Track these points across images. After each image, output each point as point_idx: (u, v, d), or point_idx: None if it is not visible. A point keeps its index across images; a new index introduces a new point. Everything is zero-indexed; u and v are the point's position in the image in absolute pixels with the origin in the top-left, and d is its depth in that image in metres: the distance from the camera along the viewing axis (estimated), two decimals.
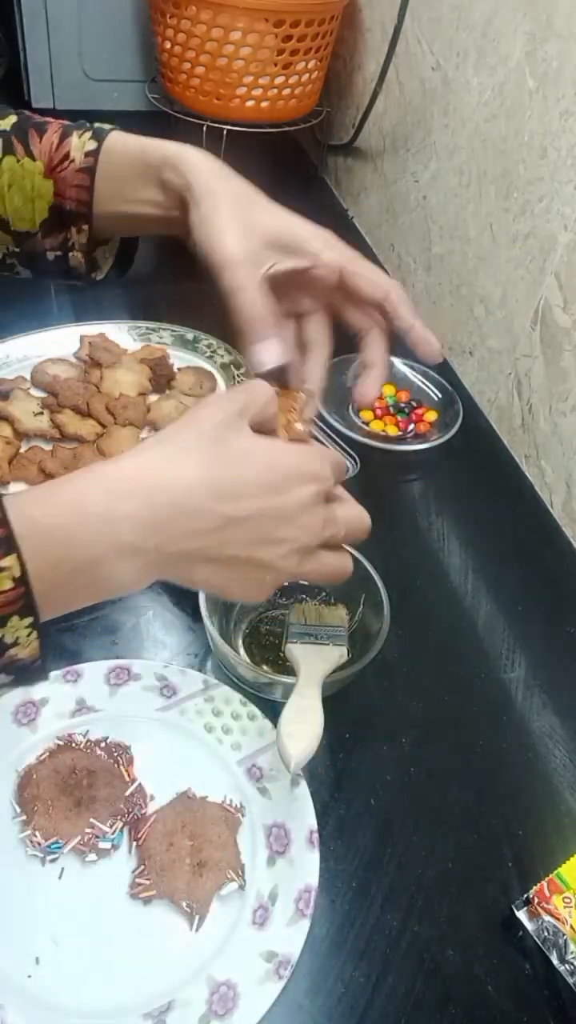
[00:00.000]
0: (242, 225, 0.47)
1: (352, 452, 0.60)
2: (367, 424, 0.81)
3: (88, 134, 0.52)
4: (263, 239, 0.47)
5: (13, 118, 0.53)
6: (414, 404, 0.84)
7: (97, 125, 0.52)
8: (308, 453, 0.41)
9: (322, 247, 0.47)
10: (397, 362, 0.88)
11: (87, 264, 0.57)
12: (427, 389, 0.86)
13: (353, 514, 0.43)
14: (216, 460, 0.37)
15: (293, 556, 0.40)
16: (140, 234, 0.56)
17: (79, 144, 0.52)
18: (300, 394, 0.49)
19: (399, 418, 0.82)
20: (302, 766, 0.43)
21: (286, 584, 0.52)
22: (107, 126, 0.51)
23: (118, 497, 0.35)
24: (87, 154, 0.52)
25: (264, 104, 1.02)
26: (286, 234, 0.48)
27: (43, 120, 0.54)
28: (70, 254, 0.56)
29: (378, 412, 0.83)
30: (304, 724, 0.44)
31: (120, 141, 0.52)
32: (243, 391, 0.40)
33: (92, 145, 0.52)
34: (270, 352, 0.46)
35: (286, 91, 1.02)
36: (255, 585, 0.40)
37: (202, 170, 0.49)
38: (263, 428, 0.41)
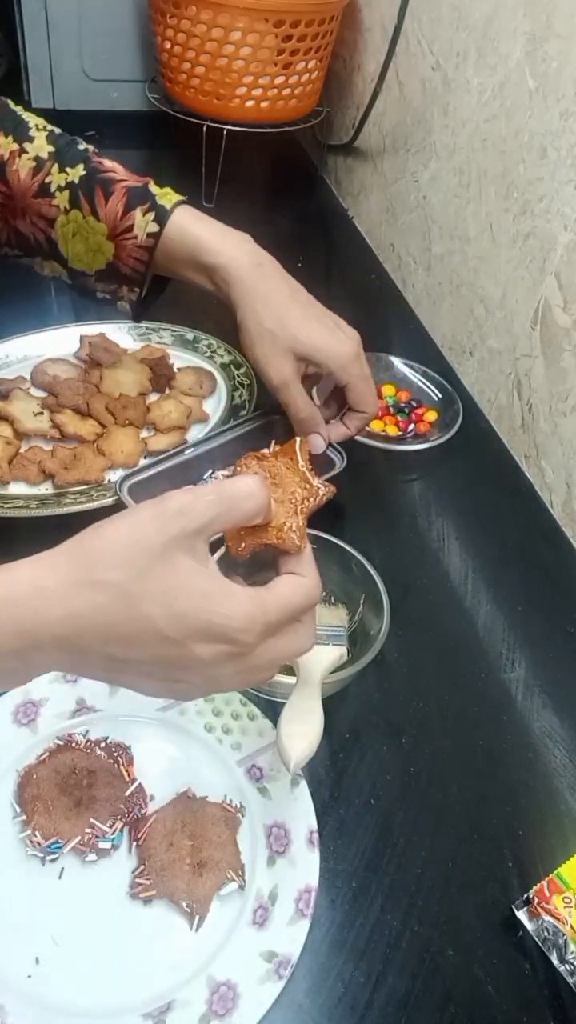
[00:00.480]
0: (280, 348, 0.59)
1: (338, 447, 0.63)
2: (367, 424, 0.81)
3: (151, 215, 0.59)
4: (297, 355, 0.60)
5: (81, 168, 0.60)
6: (414, 404, 0.84)
7: (160, 203, 0.59)
8: (239, 612, 0.34)
9: (341, 366, 0.60)
10: (397, 362, 0.88)
11: (131, 308, 0.66)
12: (427, 389, 0.86)
13: (290, 647, 0.38)
14: (126, 603, 0.33)
15: (196, 688, 0.37)
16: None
17: (142, 223, 0.59)
18: (304, 444, 0.46)
19: (399, 418, 0.82)
20: (302, 766, 0.43)
21: None
22: (169, 203, 0.58)
23: (40, 618, 0.33)
24: (149, 235, 0.59)
25: (264, 104, 1.02)
26: (314, 355, 0.59)
27: (108, 175, 0.61)
28: (119, 302, 0.65)
29: (378, 412, 0.83)
30: (304, 724, 0.44)
31: (179, 229, 0.59)
32: (223, 499, 0.35)
33: (154, 228, 0.59)
34: (316, 443, 0.63)
35: (286, 91, 1.02)
36: (173, 694, 0.38)
37: (247, 286, 0.59)
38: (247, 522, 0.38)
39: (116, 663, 0.35)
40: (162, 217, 0.58)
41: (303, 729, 0.44)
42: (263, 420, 0.71)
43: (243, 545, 0.39)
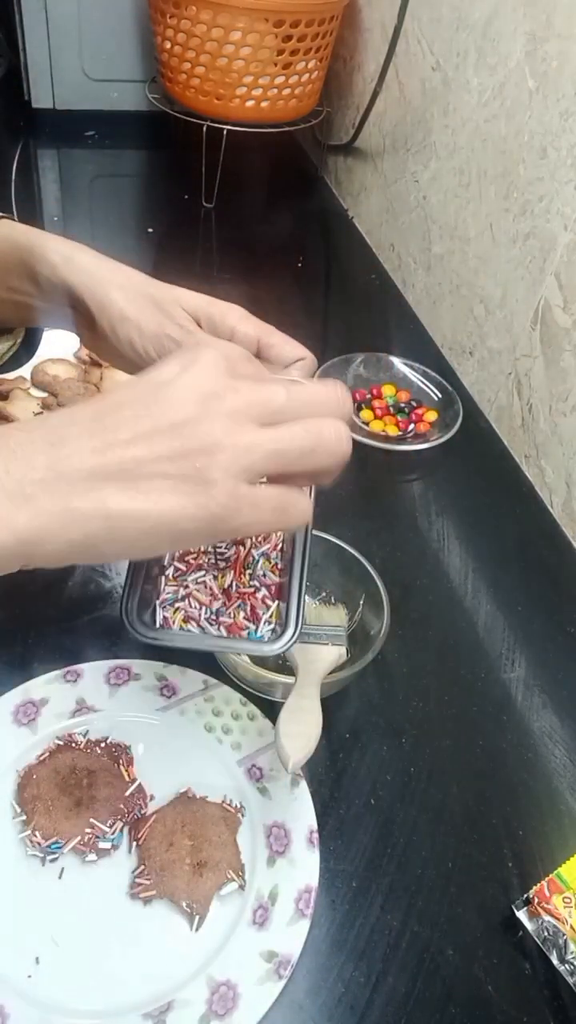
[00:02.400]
0: (167, 310, 0.44)
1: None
2: (367, 424, 0.81)
3: None
4: (187, 312, 0.45)
5: None
6: (414, 404, 0.84)
7: None
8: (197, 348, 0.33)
9: (238, 320, 0.45)
10: (397, 362, 0.88)
11: None
12: (427, 389, 0.86)
13: (286, 380, 0.34)
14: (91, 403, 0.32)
15: (210, 431, 0.31)
16: (30, 324, 0.53)
17: None
18: None
19: (399, 418, 0.82)
20: (300, 766, 0.43)
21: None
22: None
23: None
24: None
25: (264, 104, 1.02)
26: (204, 310, 0.45)
27: None
28: None
29: (378, 412, 0.83)
30: (302, 724, 0.44)
31: (6, 229, 0.47)
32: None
33: None
34: None
35: (286, 91, 1.02)
36: (198, 490, 0.31)
37: (98, 269, 0.45)
38: None
39: (101, 433, 0.31)
40: None
41: (302, 729, 0.44)
42: None
43: None
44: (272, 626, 0.45)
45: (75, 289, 0.44)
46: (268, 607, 0.45)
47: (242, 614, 0.45)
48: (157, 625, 0.44)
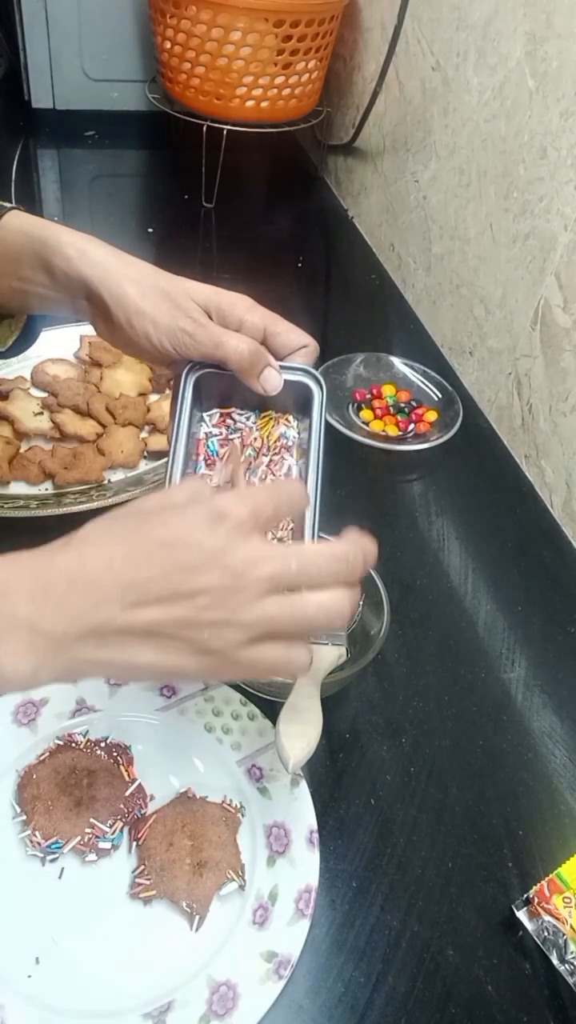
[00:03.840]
0: (179, 303, 0.46)
1: (315, 372, 0.49)
2: (367, 424, 0.81)
3: None
4: (198, 305, 0.47)
5: None
6: (414, 404, 0.84)
7: None
8: (209, 495, 0.37)
9: (245, 310, 0.47)
10: (397, 362, 0.88)
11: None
12: (427, 389, 0.86)
13: (305, 549, 0.38)
14: (114, 530, 0.35)
15: (223, 605, 0.35)
16: (42, 312, 0.54)
17: None
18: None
19: (399, 418, 0.82)
20: (301, 766, 0.43)
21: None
22: (8, 204, 0.50)
23: (10, 579, 0.33)
24: None
25: (264, 104, 1.02)
26: (213, 301, 0.47)
27: None
28: None
29: (378, 412, 0.83)
30: (303, 724, 0.44)
31: (17, 224, 0.49)
32: (168, 489, 0.39)
33: None
34: (274, 381, 0.46)
35: (286, 91, 1.02)
36: (199, 655, 0.36)
37: (112, 262, 0.47)
38: None
39: (130, 594, 0.34)
40: None
41: (302, 729, 0.44)
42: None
43: None
44: None
45: (90, 283, 0.46)
46: None
47: None
48: None
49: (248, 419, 0.49)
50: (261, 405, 0.49)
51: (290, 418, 0.49)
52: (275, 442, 0.48)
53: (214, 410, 0.49)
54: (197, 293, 0.47)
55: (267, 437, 0.49)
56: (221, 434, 0.48)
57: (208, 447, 0.48)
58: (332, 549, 0.37)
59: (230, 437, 0.48)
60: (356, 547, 0.38)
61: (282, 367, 0.46)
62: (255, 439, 0.48)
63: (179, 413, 0.46)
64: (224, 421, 0.49)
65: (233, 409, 0.49)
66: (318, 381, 0.47)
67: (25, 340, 0.57)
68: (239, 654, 0.36)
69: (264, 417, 0.49)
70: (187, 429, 0.46)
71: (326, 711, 0.46)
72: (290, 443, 0.49)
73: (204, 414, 0.49)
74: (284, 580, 0.36)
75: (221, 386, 0.47)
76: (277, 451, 0.48)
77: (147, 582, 0.34)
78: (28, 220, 0.49)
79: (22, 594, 0.33)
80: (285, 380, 0.46)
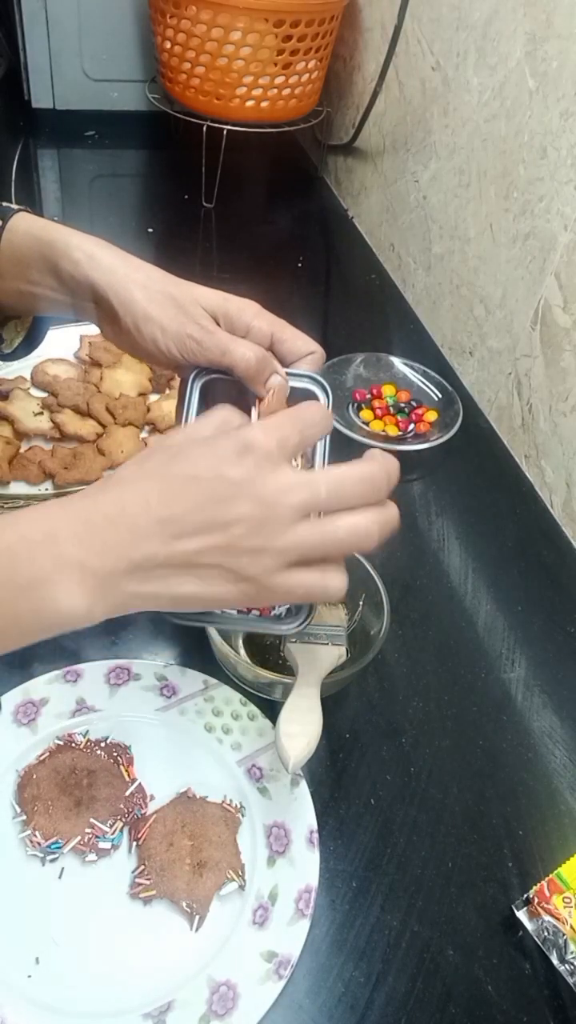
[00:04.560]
0: (186, 309, 0.46)
1: (321, 379, 0.48)
2: (367, 424, 0.81)
3: None
4: (205, 310, 0.47)
5: None
6: (414, 404, 0.84)
7: (4, 204, 0.50)
8: (235, 427, 0.39)
9: (253, 316, 0.47)
10: (397, 362, 0.88)
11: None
12: (427, 389, 0.86)
13: (333, 472, 0.39)
14: (145, 473, 0.37)
15: (259, 532, 0.36)
16: (49, 315, 0.55)
17: None
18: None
19: (399, 418, 0.82)
20: (301, 766, 0.43)
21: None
22: (14, 207, 0.50)
23: (55, 524, 0.35)
24: None
25: (264, 104, 1.02)
26: (221, 307, 0.47)
27: None
28: None
29: (378, 412, 0.83)
30: (303, 724, 0.44)
31: (25, 226, 0.49)
32: (195, 422, 0.41)
33: None
34: (281, 388, 0.47)
35: (286, 91, 1.02)
36: (240, 583, 0.37)
37: (120, 266, 0.47)
38: None
39: (169, 529, 0.36)
40: (5, 213, 0.51)
41: (302, 729, 0.44)
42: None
43: None
44: (288, 606, 0.45)
45: (98, 287, 0.46)
46: None
47: None
48: None
49: None
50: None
51: None
52: None
53: None
54: (205, 299, 0.47)
55: None
56: None
57: None
58: (359, 471, 0.38)
59: None
60: (380, 467, 0.39)
61: (288, 374, 0.47)
62: None
63: (185, 419, 0.46)
64: None
65: None
66: (324, 388, 0.48)
67: (31, 342, 0.57)
68: (276, 579, 0.37)
69: None
70: None
71: (326, 711, 0.46)
72: None
73: None
74: (314, 505, 0.38)
75: (227, 392, 0.47)
76: None
77: (183, 516, 0.36)
78: (36, 223, 0.49)
79: (70, 537, 0.34)
80: (291, 387, 0.46)
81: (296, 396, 0.47)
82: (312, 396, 0.47)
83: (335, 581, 0.39)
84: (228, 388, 0.47)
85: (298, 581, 0.38)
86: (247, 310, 0.47)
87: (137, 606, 0.37)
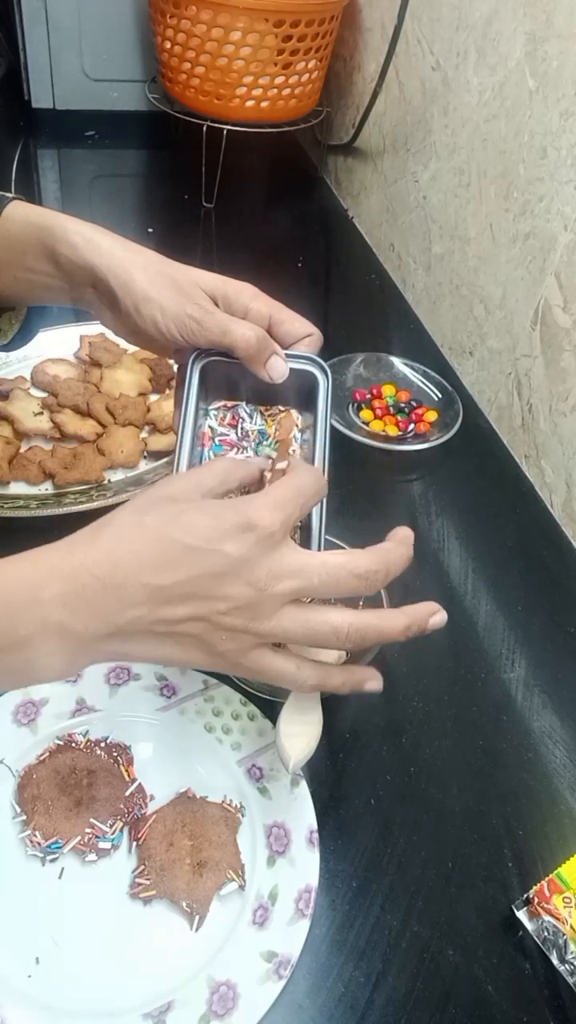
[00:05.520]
0: (186, 291, 0.47)
1: (320, 360, 0.48)
2: (367, 424, 0.81)
3: None
4: (204, 292, 0.48)
5: None
6: (414, 404, 0.84)
7: (0, 194, 0.50)
8: (241, 502, 0.37)
9: (251, 298, 0.48)
10: (397, 362, 0.88)
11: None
12: (427, 389, 0.86)
13: (328, 563, 0.38)
14: (142, 531, 0.36)
15: (241, 613, 0.36)
16: (47, 303, 0.55)
17: None
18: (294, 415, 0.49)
19: (399, 418, 0.82)
20: (301, 766, 0.43)
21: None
22: (9, 195, 0.50)
23: (41, 582, 0.34)
24: None
25: (264, 104, 1.02)
26: (220, 289, 0.48)
27: None
28: None
29: (378, 412, 0.83)
30: (303, 724, 0.44)
31: (22, 214, 0.49)
32: (201, 467, 0.42)
33: None
34: (280, 368, 0.47)
35: (286, 91, 1.02)
36: (211, 653, 0.38)
37: (119, 250, 0.47)
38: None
39: (156, 596, 0.35)
40: (0, 202, 0.50)
41: (302, 729, 0.44)
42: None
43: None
44: None
45: (97, 270, 0.46)
46: None
47: None
48: None
49: (254, 421, 0.49)
50: (266, 396, 0.49)
51: (294, 414, 0.49)
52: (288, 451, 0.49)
53: (219, 403, 0.49)
54: (204, 281, 0.47)
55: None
56: (227, 436, 0.48)
57: (213, 447, 0.48)
58: (355, 565, 0.38)
59: (241, 444, 0.48)
60: (381, 563, 0.39)
61: (288, 355, 0.47)
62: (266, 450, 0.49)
63: (185, 401, 0.46)
64: (230, 420, 0.49)
65: (238, 403, 0.49)
66: (323, 369, 0.48)
67: (26, 333, 0.58)
68: (250, 658, 0.38)
69: (269, 417, 0.49)
70: (193, 417, 0.46)
71: (326, 711, 0.45)
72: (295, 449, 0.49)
73: (210, 408, 0.49)
74: (306, 594, 0.38)
75: (227, 375, 0.47)
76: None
77: (174, 586, 0.35)
78: (32, 209, 0.49)
79: (54, 599, 0.34)
80: (291, 368, 0.47)
81: (294, 379, 0.47)
82: (311, 378, 0.48)
83: (308, 676, 0.40)
84: (227, 371, 0.47)
85: (271, 664, 0.39)
86: (245, 292, 0.48)
87: (108, 660, 0.38)
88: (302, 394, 0.48)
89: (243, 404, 0.49)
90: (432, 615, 0.41)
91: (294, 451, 0.48)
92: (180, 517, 0.36)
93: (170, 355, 0.50)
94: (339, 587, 0.38)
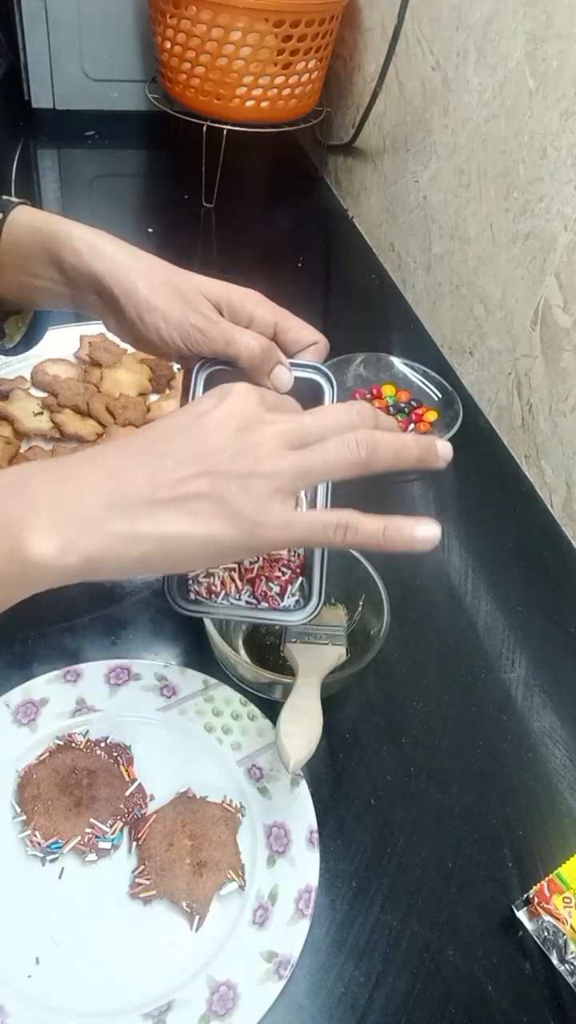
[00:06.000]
0: (189, 298, 0.46)
1: (326, 370, 0.48)
2: None
3: None
4: (208, 300, 0.47)
5: None
6: (414, 404, 0.84)
7: (4, 198, 0.50)
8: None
9: (256, 306, 0.47)
10: (397, 362, 0.88)
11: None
12: (427, 389, 0.86)
13: (313, 410, 0.39)
14: (142, 430, 0.37)
15: (244, 456, 0.36)
16: (51, 308, 0.55)
17: None
18: None
19: (399, 418, 0.82)
20: (301, 766, 0.43)
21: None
22: (14, 200, 0.50)
23: (32, 467, 0.35)
24: None
25: (264, 104, 1.02)
26: (224, 297, 0.47)
27: None
28: None
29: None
30: (303, 724, 0.44)
31: (27, 219, 0.49)
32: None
33: None
34: (284, 378, 0.46)
35: (286, 91, 1.02)
36: (229, 512, 0.35)
37: (123, 257, 0.47)
38: None
39: (155, 458, 0.35)
40: (5, 206, 0.50)
41: (302, 729, 0.44)
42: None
43: None
44: (296, 598, 0.46)
45: (101, 277, 0.46)
46: (293, 582, 0.46)
47: (275, 589, 0.46)
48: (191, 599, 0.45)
49: None
50: None
51: None
52: None
53: None
54: (208, 288, 0.47)
55: None
56: None
57: None
58: (344, 404, 0.39)
59: None
60: (362, 403, 0.40)
61: (292, 364, 0.46)
62: None
63: None
64: None
65: None
66: (329, 378, 0.48)
67: (31, 338, 0.57)
68: (271, 510, 0.36)
69: None
70: None
71: (326, 711, 0.46)
72: None
73: None
74: (298, 432, 0.37)
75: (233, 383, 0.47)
76: None
77: (165, 450, 0.35)
78: (37, 215, 0.49)
79: (43, 478, 0.34)
80: (295, 377, 0.46)
81: (299, 387, 0.46)
82: (316, 387, 0.47)
83: (335, 515, 0.38)
84: (232, 380, 0.47)
85: (296, 515, 0.37)
86: (250, 299, 0.47)
87: (121, 554, 0.34)
88: (307, 403, 0.48)
89: None
90: (444, 451, 0.44)
91: None
92: (164, 417, 0.38)
93: (175, 361, 0.50)
94: (331, 421, 0.38)
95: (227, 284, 0.48)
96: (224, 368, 0.46)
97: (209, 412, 0.37)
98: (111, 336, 0.82)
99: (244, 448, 0.36)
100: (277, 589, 0.46)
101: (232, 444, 0.36)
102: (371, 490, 0.76)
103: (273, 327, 0.47)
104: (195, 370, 0.46)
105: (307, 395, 0.47)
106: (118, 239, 0.48)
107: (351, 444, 0.37)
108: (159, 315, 0.45)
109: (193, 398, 0.45)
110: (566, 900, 0.46)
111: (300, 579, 0.46)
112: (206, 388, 0.46)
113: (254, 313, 0.47)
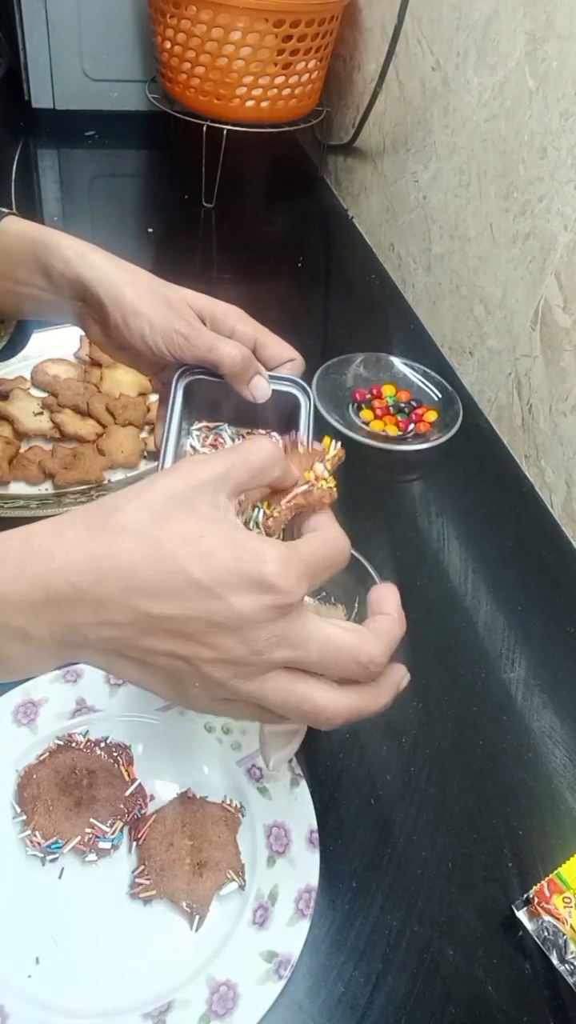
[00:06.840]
0: (174, 306, 0.47)
1: (302, 383, 0.49)
2: (367, 424, 0.81)
3: None
4: (192, 309, 0.48)
5: None
6: (414, 404, 0.84)
7: None
8: (272, 553, 0.33)
9: (237, 320, 0.48)
10: (397, 362, 0.88)
11: None
12: (427, 389, 0.86)
13: (333, 641, 0.35)
14: (147, 544, 0.32)
15: (226, 668, 0.33)
16: (33, 316, 0.55)
17: None
18: (323, 446, 0.45)
19: (399, 418, 0.82)
20: (282, 764, 0.43)
21: None
22: (5, 210, 0.51)
23: (10, 578, 0.31)
24: None
25: (264, 104, 1.02)
26: (207, 309, 0.48)
27: None
28: None
29: (378, 412, 0.83)
30: (287, 723, 0.44)
31: (17, 228, 0.49)
32: (234, 451, 0.36)
33: None
34: (263, 389, 0.46)
35: (286, 91, 1.02)
36: (177, 691, 0.35)
37: (109, 267, 0.47)
38: (270, 495, 0.38)
39: (142, 622, 0.32)
40: None
41: (285, 727, 0.43)
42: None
43: (276, 513, 0.39)
44: None
45: (88, 284, 0.47)
46: None
47: None
48: None
49: (236, 442, 0.49)
50: (247, 418, 0.49)
51: (275, 437, 0.49)
52: None
53: (201, 423, 0.49)
54: (192, 299, 0.48)
55: None
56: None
57: None
58: (360, 651, 0.36)
59: None
60: (385, 654, 0.38)
61: (271, 376, 0.47)
62: None
63: (169, 417, 0.46)
64: (212, 440, 0.49)
65: (219, 424, 0.49)
66: (306, 391, 0.48)
67: (14, 346, 0.58)
68: (216, 705, 0.36)
69: (250, 438, 0.49)
70: (176, 435, 0.46)
71: None
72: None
73: (192, 428, 0.49)
74: (299, 666, 0.35)
75: (210, 395, 0.48)
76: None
77: (165, 619, 0.32)
78: (27, 224, 0.50)
79: (20, 604, 0.31)
80: (273, 390, 0.47)
81: (276, 401, 0.47)
82: (293, 400, 0.48)
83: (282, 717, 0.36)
84: (211, 390, 0.47)
85: (240, 712, 0.36)
86: (232, 313, 0.49)
87: (88, 663, 0.35)
88: (283, 416, 0.49)
89: (225, 425, 0.50)
90: (403, 679, 0.42)
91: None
92: (198, 543, 0.32)
93: (154, 373, 0.50)
94: (336, 668, 0.35)
95: (210, 297, 0.49)
96: (204, 378, 0.47)
97: (236, 605, 0.32)
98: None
99: (236, 662, 0.33)
100: None
101: (227, 652, 0.33)
102: (371, 490, 0.76)
103: (253, 341, 0.48)
104: (175, 379, 0.47)
105: (285, 408, 0.48)
106: (105, 251, 0.49)
107: (320, 717, 0.36)
108: (144, 320, 0.46)
109: (172, 407, 0.46)
110: (566, 900, 0.46)
111: None
112: (185, 399, 0.47)
113: (235, 327, 0.48)
